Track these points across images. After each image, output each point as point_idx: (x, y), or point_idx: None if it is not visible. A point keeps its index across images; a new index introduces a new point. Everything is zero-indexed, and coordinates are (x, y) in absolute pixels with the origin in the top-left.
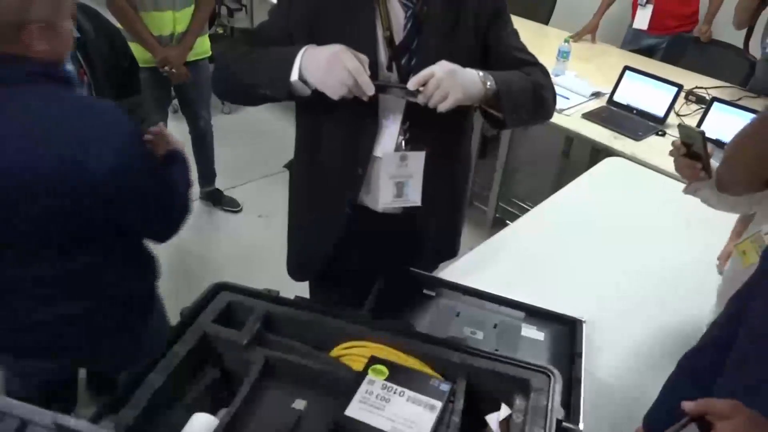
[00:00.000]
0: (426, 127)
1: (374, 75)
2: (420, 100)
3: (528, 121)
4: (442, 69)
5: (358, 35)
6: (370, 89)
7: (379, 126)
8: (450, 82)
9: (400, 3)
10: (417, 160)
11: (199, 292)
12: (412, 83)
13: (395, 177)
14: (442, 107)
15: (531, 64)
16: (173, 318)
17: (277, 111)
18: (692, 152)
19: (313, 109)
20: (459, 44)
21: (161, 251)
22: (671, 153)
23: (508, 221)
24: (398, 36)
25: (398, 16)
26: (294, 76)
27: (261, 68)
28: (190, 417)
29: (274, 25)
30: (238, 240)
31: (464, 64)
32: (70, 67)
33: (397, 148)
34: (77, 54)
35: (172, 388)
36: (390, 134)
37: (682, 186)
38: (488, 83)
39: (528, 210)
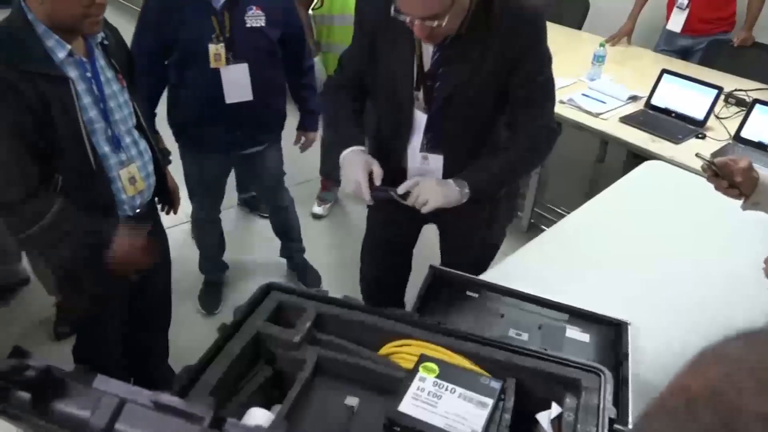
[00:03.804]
0: (442, 139)
1: (408, 91)
2: (409, 202)
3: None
4: (425, 180)
5: (399, 59)
6: (368, 199)
7: (412, 131)
8: (430, 192)
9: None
10: (436, 160)
11: (235, 295)
12: (401, 188)
13: (419, 171)
14: (424, 209)
15: (534, 123)
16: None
17: None
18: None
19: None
20: (477, 80)
21: (197, 255)
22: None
23: (543, 227)
24: (428, 64)
25: (428, 49)
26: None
27: (334, 134)
28: (246, 412)
29: (356, 48)
30: (273, 245)
31: (480, 96)
32: (110, 74)
33: (422, 149)
34: (111, 61)
35: (228, 385)
36: (418, 140)
37: None
38: (464, 190)
39: (563, 215)
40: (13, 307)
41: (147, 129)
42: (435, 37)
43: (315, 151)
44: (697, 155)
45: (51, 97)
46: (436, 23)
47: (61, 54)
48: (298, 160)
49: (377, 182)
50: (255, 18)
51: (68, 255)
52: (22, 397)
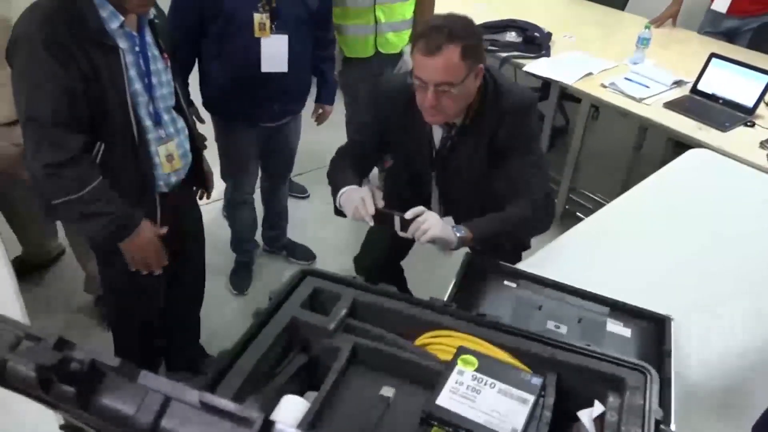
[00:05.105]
0: (452, 205)
1: (424, 167)
2: (409, 232)
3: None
4: (430, 212)
5: (414, 143)
6: (371, 211)
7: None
8: (433, 222)
9: (439, 125)
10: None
11: (266, 275)
12: (409, 213)
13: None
14: (423, 239)
15: (527, 190)
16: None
17: (340, 104)
18: None
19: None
20: (476, 155)
21: (228, 236)
22: None
23: (578, 213)
24: (437, 144)
25: (438, 132)
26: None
27: (332, 186)
28: (281, 399)
29: (368, 128)
30: (305, 226)
31: (482, 175)
32: (156, 52)
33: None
34: (158, 40)
35: (262, 371)
36: (434, 204)
37: None
38: (458, 234)
39: (598, 202)
40: (56, 292)
41: (185, 106)
42: (439, 113)
43: (329, 137)
44: (761, 145)
45: (102, 65)
46: (447, 89)
47: (114, 24)
48: (314, 146)
49: (379, 205)
50: None
51: (93, 233)
52: (66, 390)
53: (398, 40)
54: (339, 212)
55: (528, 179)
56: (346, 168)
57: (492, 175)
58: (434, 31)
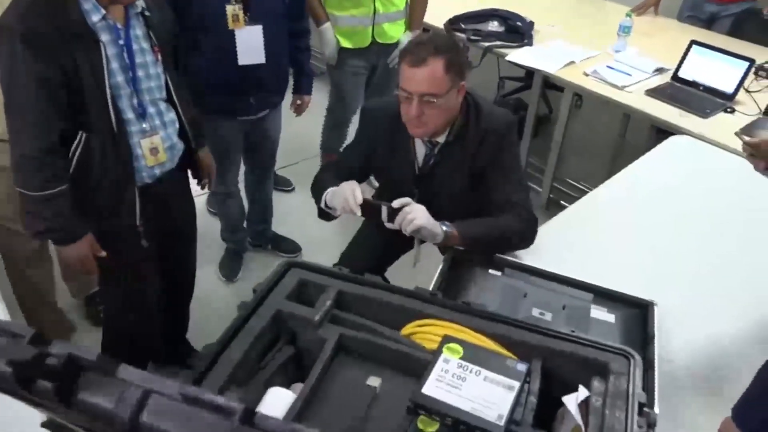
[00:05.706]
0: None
1: (407, 186)
2: (396, 221)
3: (491, 252)
4: (417, 204)
5: (398, 165)
6: (359, 200)
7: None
8: (419, 212)
9: (422, 143)
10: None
11: (253, 270)
12: (396, 202)
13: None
14: (409, 228)
15: (512, 206)
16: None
17: (322, 92)
18: None
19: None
20: (459, 173)
21: (215, 228)
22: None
23: (563, 202)
24: (420, 162)
25: (421, 150)
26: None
27: (317, 197)
28: (267, 391)
29: (354, 149)
30: (290, 219)
31: (458, 185)
32: (145, 45)
33: None
34: (149, 33)
35: (249, 364)
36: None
37: None
38: (443, 228)
39: (583, 190)
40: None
41: (176, 99)
42: (423, 125)
43: (314, 129)
44: (736, 134)
45: (82, 57)
46: (431, 100)
47: (95, 17)
48: (299, 138)
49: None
50: None
51: (30, 229)
52: (45, 386)
53: (393, 30)
54: (323, 214)
55: (512, 198)
56: (331, 179)
57: (475, 194)
58: (420, 45)
